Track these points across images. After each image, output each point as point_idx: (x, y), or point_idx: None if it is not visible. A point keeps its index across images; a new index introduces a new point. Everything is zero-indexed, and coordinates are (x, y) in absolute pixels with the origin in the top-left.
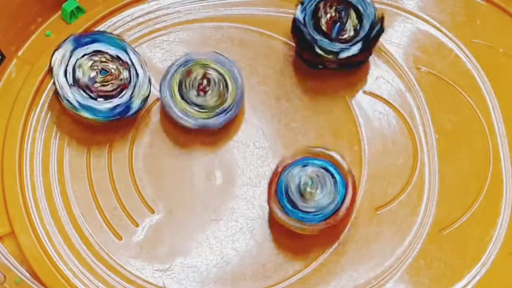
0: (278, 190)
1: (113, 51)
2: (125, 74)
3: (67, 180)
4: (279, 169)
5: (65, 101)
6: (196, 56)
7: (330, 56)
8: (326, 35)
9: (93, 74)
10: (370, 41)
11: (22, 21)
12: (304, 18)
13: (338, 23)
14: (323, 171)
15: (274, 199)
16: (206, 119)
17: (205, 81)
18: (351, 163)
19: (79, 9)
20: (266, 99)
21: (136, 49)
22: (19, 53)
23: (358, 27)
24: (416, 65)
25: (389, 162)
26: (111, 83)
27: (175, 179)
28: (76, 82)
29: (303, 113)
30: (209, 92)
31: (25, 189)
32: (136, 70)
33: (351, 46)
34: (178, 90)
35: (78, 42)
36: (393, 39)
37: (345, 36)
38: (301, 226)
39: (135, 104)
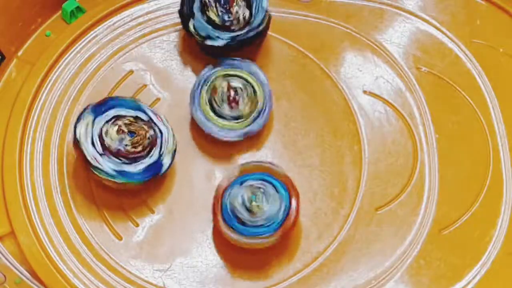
0: (225, 214)
1: (132, 113)
2: (151, 131)
3: (67, 180)
4: (219, 195)
5: (97, 171)
6: (213, 70)
7: (198, 38)
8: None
9: (121, 138)
10: (241, 41)
11: (22, 21)
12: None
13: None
14: (261, 181)
15: (224, 225)
16: (247, 127)
17: (232, 92)
18: (351, 163)
19: (79, 9)
20: None
21: (136, 49)
22: (19, 53)
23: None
24: (416, 65)
25: (389, 162)
26: (141, 144)
27: (175, 179)
28: (106, 150)
29: (303, 113)
30: (241, 101)
31: (25, 189)
32: (158, 127)
33: (218, 37)
34: (211, 110)
35: (97, 111)
36: (393, 39)
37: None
38: (259, 241)
39: (166, 161)
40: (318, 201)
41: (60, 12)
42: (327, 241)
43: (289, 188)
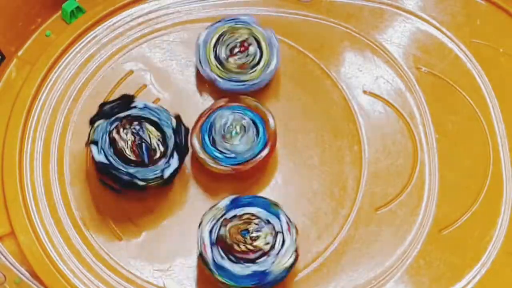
0: (204, 125)
1: (264, 215)
2: (268, 238)
3: (67, 180)
4: (213, 108)
5: (201, 258)
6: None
7: (158, 182)
8: (138, 163)
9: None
10: (183, 146)
11: (22, 21)
12: (106, 157)
13: (144, 145)
14: (251, 122)
15: (198, 134)
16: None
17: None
18: (351, 163)
19: (79, 9)
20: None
21: (136, 49)
22: (19, 53)
23: (162, 138)
24: (416, 65)
25: (389, 162)
26: (252, 247)
27: (176, 179)
28: (217, 240)
29: (303, 113)
30: (250, 49)
31: (25, 189)
32: (283, 237)
33: (168, 161)
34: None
35: (235, 204)
36: (393, 39)
37: (158, 154)
38: (213, 164)
39: (273, 274)
40: (318, 201)
41: (60, 12)
42: (327, 241)
43: (266, 145)
